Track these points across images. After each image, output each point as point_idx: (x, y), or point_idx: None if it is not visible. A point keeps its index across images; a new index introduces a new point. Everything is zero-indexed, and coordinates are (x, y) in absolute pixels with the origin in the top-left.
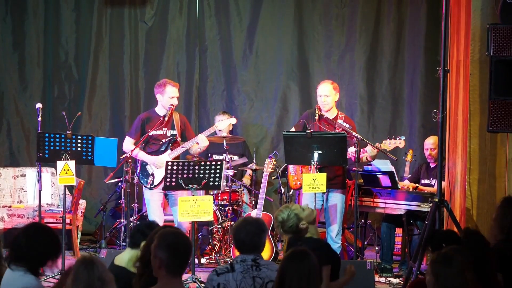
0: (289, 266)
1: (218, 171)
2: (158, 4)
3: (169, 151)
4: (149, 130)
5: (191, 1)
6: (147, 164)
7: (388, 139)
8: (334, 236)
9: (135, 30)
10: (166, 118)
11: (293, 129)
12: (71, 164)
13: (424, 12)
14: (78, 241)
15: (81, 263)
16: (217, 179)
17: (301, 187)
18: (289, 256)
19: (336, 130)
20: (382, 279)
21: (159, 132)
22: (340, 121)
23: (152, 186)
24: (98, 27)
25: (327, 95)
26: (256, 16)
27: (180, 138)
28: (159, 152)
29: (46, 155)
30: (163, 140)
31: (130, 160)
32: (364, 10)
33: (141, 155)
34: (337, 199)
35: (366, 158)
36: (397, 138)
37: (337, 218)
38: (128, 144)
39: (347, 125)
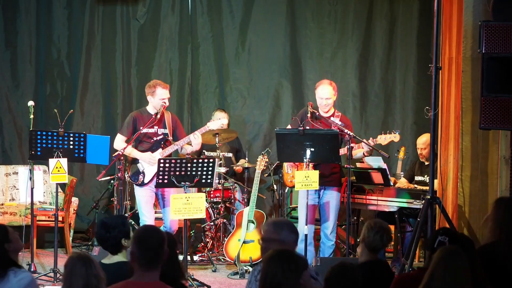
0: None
1: (210, 168)
2: (150, 1)
3: (160, 150)
4: (141, 127)
5: None
6: (137, 161)
7: (383, 134)
8: (328, 233)
9: (127, 28)
10: (158, 116)
11: (289, 127)
12: (63, 161)
13: (416, 9)
14: (71, 238)
15: (78, 260)
16: (209, 177)
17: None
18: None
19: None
20: None
21: (151, 130)
22: (335, 119)
23: (142, 184)
24: (90, 24)
25: (328, 97)
26: (249, 13)
27: (171, 137)
28: (151, 150)
29: (38, 153)
30: (155, 138)
31: (122, 158)
32: (356, 7)
33: (134, 153)
34: (332, 196)
35: (363, 153)
36: (392, 132)
37: (332, 215)
38: (119, 142)
39: (340, 123)
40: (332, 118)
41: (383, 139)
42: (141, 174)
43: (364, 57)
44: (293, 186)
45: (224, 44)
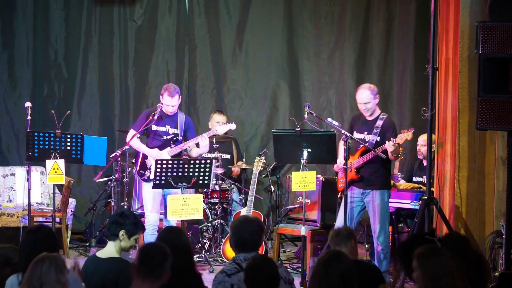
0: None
1: (207, 169)
2: (147, 2)
3: (169, 148)
4: (146, 124)
5: (180, 0)
6: (146, 158)
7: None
8: (375, 237)
9: (124, 29)
10: (156, 117)
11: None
12: (61, 163)
13: (413, 10)
14: (68, 240)
15: (37, 259)
16: (206, 178)
17: (342, 190)
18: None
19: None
20: None
21: (162, 128)
22: (379, 121)
23: (148, 179)
24: (88, 25)
25: (367, 102)
26: (246, 14)
27: (182, 137)
28: (160, 148)
29: (36, 154)
30: (165, 137)
31: (120, 159)
32: (353, 8)
33: (142, 148)
34: (373, 199)
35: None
36: (406, 131)
37: (376, 218)
38: (131, 136)
39: (336, 123)
40: (378, 121)
41: (400, 138)
42: (148, 170)
43: (361, 58)
44: (341, 191)
45: (221, 45)
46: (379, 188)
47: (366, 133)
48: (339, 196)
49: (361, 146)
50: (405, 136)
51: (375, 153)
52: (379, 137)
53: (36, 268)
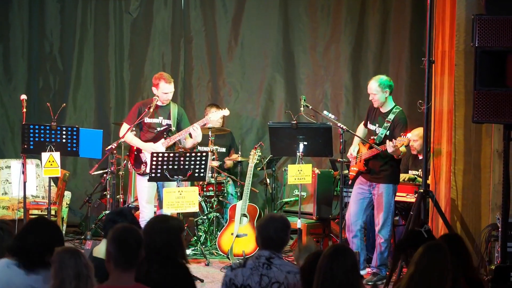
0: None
1: (203, 162)
2: None
3: (162, 140)
4: (141, 118)
5: None
6: (141, 151)
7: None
8: (377, 230)
9: (120, 22)
10: (151, 110)
11: (361, 126)
12: (56, 155)
13: (409, 3)
14: (63, 232)
15: (65, 253)
16: (202, 170)
17: (353, 178)
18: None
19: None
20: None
21: (155, 120)
22: (391, 115)
23: (143, 174)
24: (83, 18)
25: (373, 93)
26: (241, 7)
27: (174, 128)
28: (153, 141)
29: (31, 147)
30: (158, 129)
31: (115, 152)
32: (349, 1)
33: (136, 142)
34: (379, 192)
35: (395, 156)
36: (401, 136)
37: (379, 211)
38: (124, 130)
39: (332, 116)
40: (390, 115)
41: (398, 141)
42: (143, 164)
43: (357, 51)
44: (352, 179)
45: (217, 38)
46: (385, 181)
47: (377, 125)
48: (349, 183)
49: (371, 138)
50: (402, 141)
51: (377, 150)
52: (388, 131)
53: (68, 263)
